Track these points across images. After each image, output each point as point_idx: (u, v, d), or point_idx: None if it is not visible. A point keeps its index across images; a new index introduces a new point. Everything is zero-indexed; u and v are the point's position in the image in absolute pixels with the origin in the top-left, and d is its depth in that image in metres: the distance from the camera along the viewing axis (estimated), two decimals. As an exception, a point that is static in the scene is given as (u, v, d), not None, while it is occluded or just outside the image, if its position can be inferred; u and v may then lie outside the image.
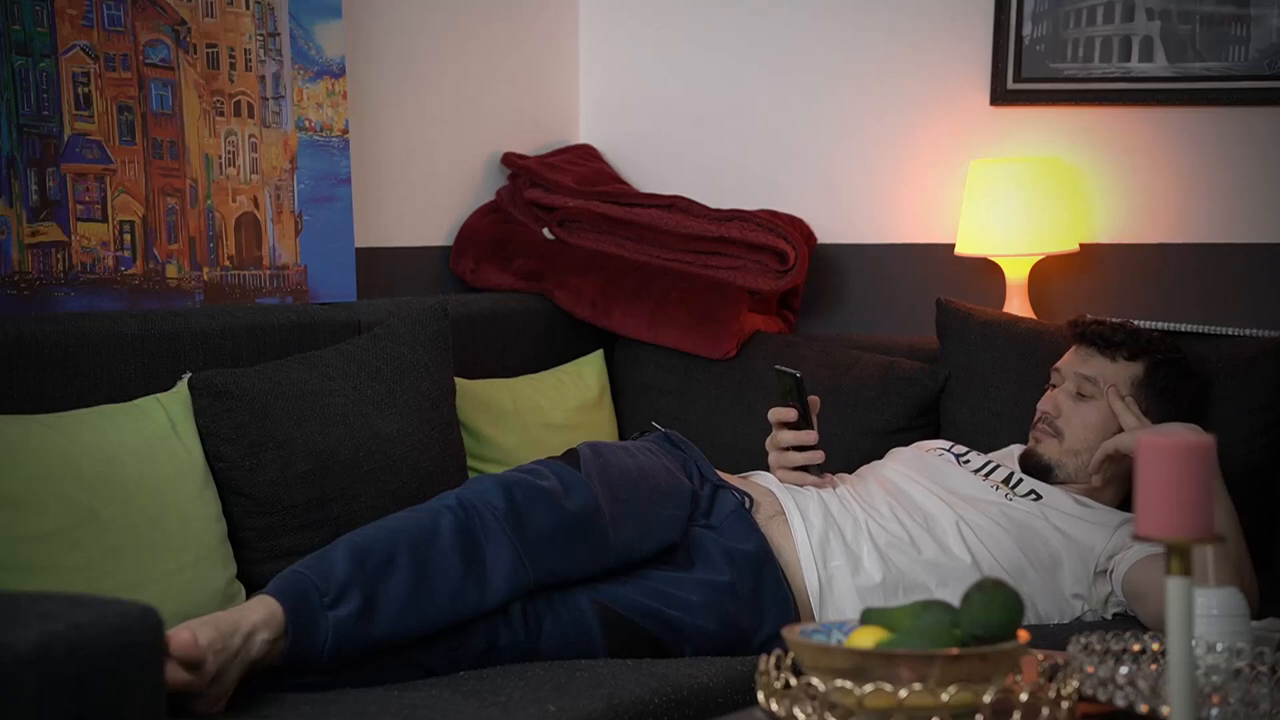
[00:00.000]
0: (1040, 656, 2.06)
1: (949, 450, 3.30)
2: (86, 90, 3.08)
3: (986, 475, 3.22)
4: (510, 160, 4.03)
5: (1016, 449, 3.34)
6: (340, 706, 2.40)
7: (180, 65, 3.24)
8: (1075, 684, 1.98)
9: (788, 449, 3.13)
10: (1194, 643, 1.80)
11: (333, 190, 3.53)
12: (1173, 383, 3.24)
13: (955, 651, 1.87)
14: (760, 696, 1.99)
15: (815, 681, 1.90)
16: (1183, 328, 3.52)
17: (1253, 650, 2.09)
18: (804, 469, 3.12)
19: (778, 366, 3.17)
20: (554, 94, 4.26)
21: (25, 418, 2.69)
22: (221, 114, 3.32)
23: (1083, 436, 3.20)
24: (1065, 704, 1.96)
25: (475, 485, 2.76)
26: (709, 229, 3.82)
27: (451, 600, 2.61)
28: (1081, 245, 3.82)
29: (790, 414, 3.11)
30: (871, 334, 3.87)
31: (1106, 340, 3.25)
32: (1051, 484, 3.21)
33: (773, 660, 1.99)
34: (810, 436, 3.11)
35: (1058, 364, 3.29)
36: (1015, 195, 3.75)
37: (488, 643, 2.66)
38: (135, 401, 2.86)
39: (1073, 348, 3.30)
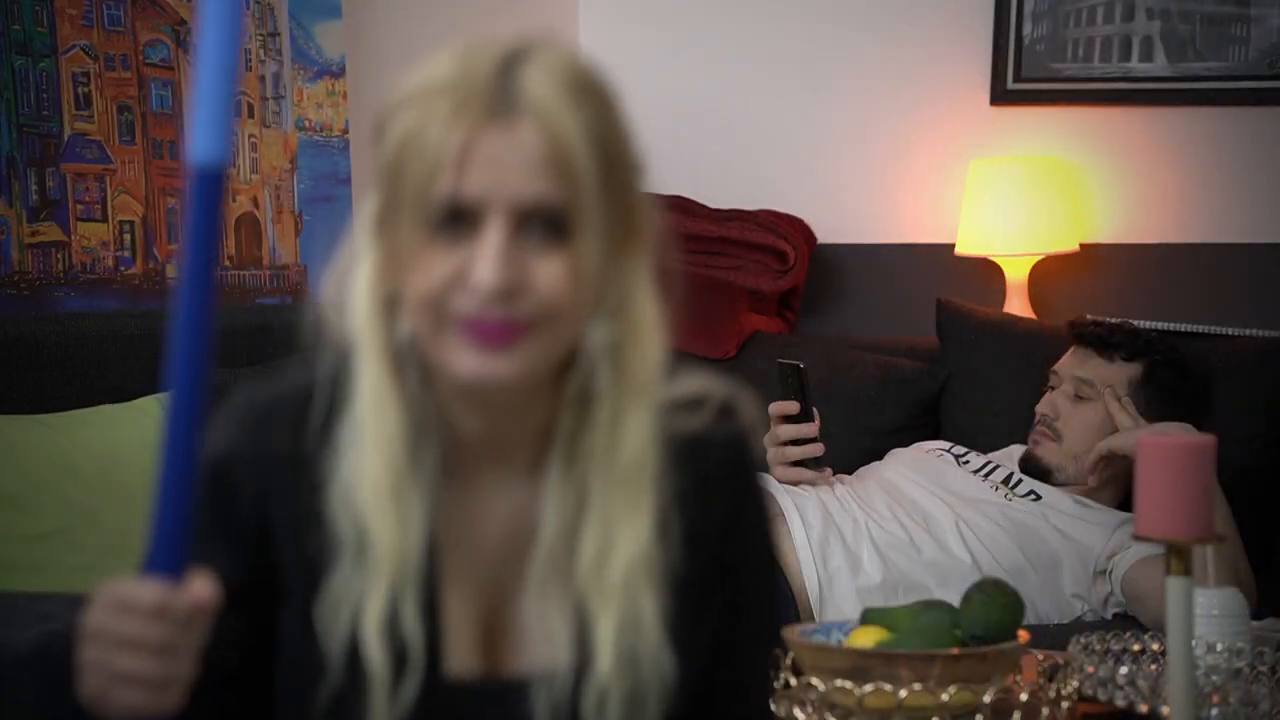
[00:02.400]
0: (1040, 656, 2.06)
1: (949, 451, 3.29)
2: (86, 90, 3.08)
3: (986, 476, 3.22)
4: (510, 160, 4.03)
5: (1016, 449, 3.33)
6: (340, 706, 2.39)
7: (180, 65, 3.24)
8: (1075, 684, 1.98)
9: (786, 443, 3.12)
10: (1194, 643, 1.80)
11: (333, 190, 3.53)
12: (1171, 383, 3.24)
13: (955, 652, 1.87)
14: (760, 696, 1.98)
15: (815, 681, 1.90)
16: (1183, 328, 3.52)
17: (1252, 650, 2.09)
18: (802, 464, 3.12)
19: (780, 359, 3.17)
20: (554, 94, 4.25)
21: (25, 418, 2.69)
22: (221, 114, 3.32)
23: (1082, 438, 3.20)
24: (1065, 704, 1.96)
25: (475, 485, 2.76)
26: (709, 229, 3.82)
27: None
28: (1081, 245, 3.81)
29: (791, 407, 3.11)
30: (871, 334, 3.87)
31: (1104, 342, 3.24)
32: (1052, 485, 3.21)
33: (772, 660, 1.98)
34: (810, 429, 3.10)
35: (1056, 366, 3.29)
36: (1015, 195, 3.75)
37: (488, 643, 2.66)
38: (135, 401, 2.86)
39: (1071, 349, 3.29)
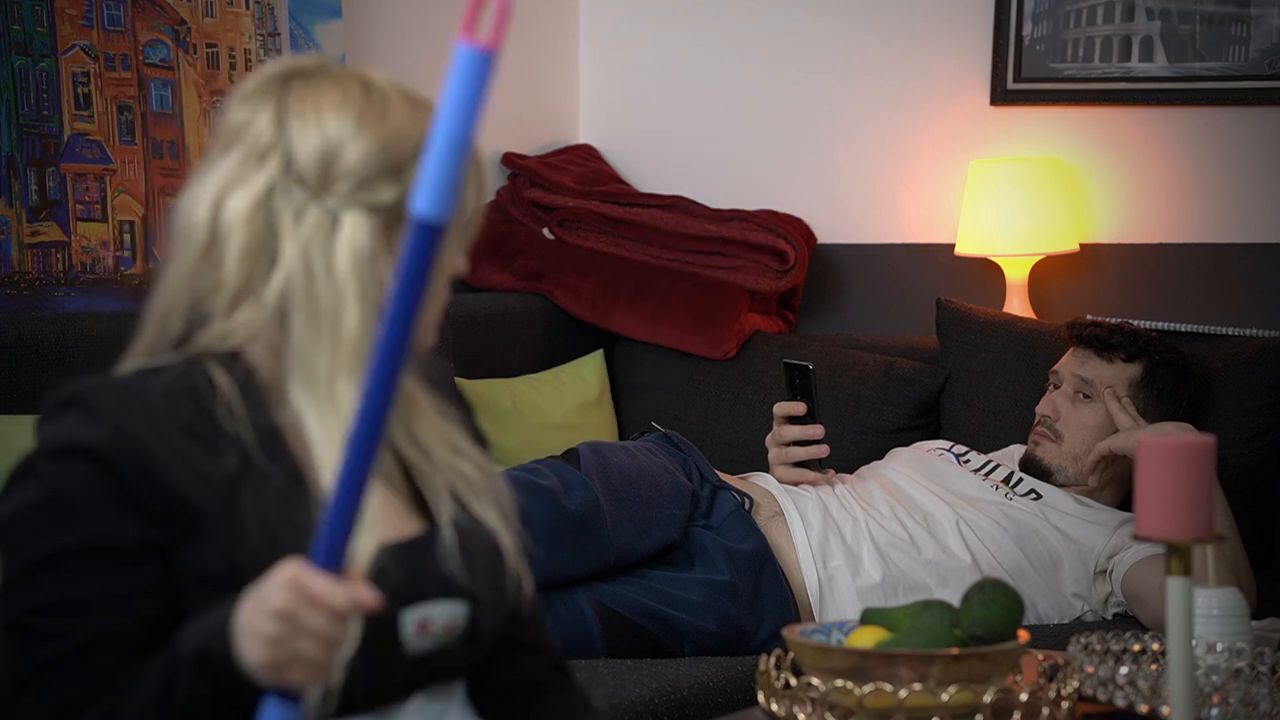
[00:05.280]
0: (1040, 656, 2.06)
1: (949, 450, 3.29)
2: (86, 90, 3.08)
3: (986, 475, 3.22)
4: (510, 160, 4.03)
5: (1017, 449, 3.34)
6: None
7: (180, 65, 3.24)
8: (1075, 684, 1.98)
9: (790, 444, 3.12)
10: (1194, 643, 1.80)
11: (333, 190, 3.53)
12: (1171, 383, 3.24)
13: (955, 651, 1.87)
14: (760, 696, 1.98)
15: (815, 682, 1.90)
16: (1183, 328, 3.52)
17: (1253, 650, 2.09)
18: (805, 465, 3.12)
19: (786, 360, 3.16)
20: (554, 94, 4.26)
21: (25, 418, 2.69)
22: (222, 114, 3.32)
23: (1082, 439, 3.20)
24: (1065, 704, 1.96)
25: (475, 485, 2.76)
26: (709, 229, 3.82)
27: (451, 600, 2.61)
28: (1081, 245, 3.81)
29: (798, 408, 3.10)
30: (871, 334, 3.87)
31: (1103, 342, 3.24)
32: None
33: (773, 660, 1.99)
34: (816, 431, 3.10)
35: (1056, 366, 3.29)
36: (1015, 195, 3.75)
37: (488, 643, 2.66)
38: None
39: (1070, 350, 3.30)
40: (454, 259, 1.63)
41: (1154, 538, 1.66)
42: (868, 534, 3.01)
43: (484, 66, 1.35)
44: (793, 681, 1.95)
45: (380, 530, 1.54)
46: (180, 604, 1.52)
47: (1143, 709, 1.99)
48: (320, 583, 1.36)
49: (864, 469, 3.29)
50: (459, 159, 1.35)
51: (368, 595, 1.38)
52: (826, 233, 4.02)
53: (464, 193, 1.59)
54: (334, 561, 1.37)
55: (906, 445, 3.38)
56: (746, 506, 3.02)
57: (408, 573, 1.57)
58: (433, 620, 1.58)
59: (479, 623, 1.62)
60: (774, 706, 1.96)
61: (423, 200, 1.35)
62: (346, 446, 1.37)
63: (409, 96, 1.59)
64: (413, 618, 1.57)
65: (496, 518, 1.65)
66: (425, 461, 1.64)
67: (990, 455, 3.32)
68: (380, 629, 1.53)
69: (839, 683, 1.87)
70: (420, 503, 1.65)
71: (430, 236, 1.35)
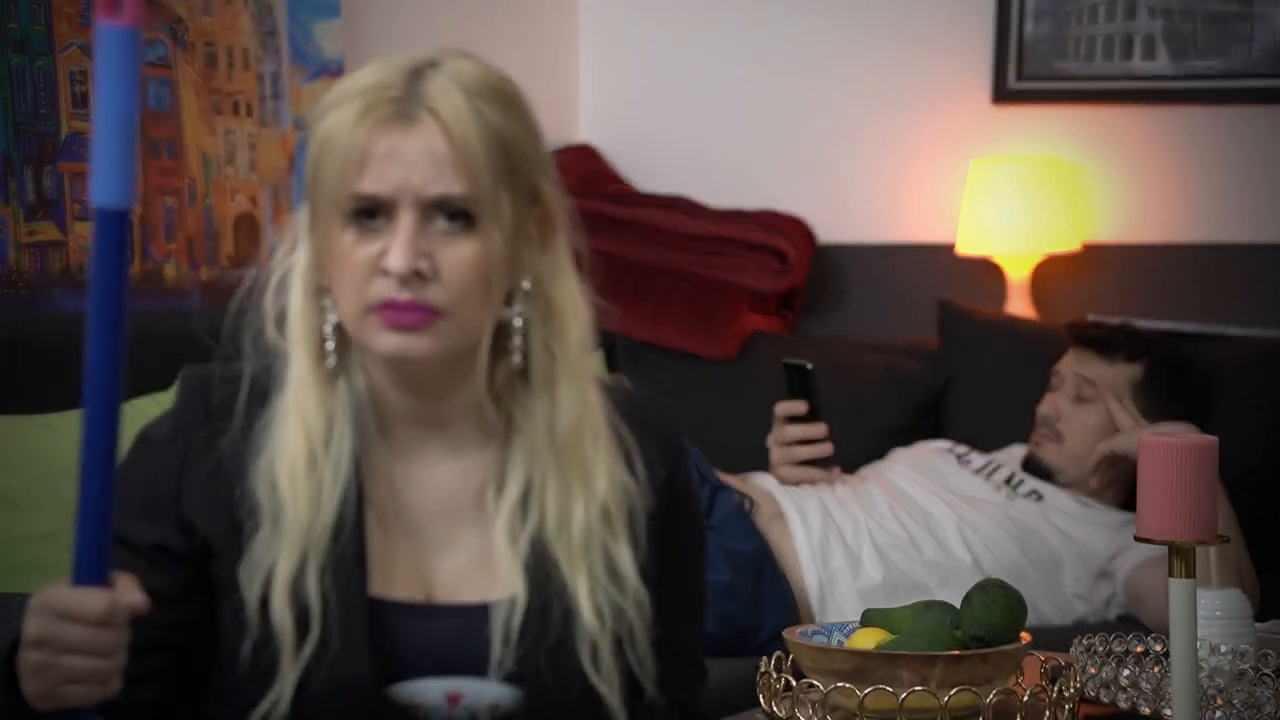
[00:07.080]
0: (1042, 658, 2.06)
1: (950, 451, 3.29)
2: (84, 88, 3.08)
3: (988, 475, 3.21)
4: (510, 160, 4.02)
5: (1018, 449, 3.33)
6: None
7: (178, 64, 3.23)
8: (1078, 686, 1.98)
9: (793, 444, 3.12)
10: (1197, 644, 1.79)
11: (331, 190, 3.52)
12: (1172, 384, 3.23)
13: (957, 653, 1.86)
14: (761, 698, 1.98)
15: (816, 683, 1.89)
16: (1184, 328, 3.52)
17: (1256, 652, 2.08)
18: (809, 464, 3.11)
19: (787, 360, 3.16)
20: (554, 94, 4.25)
21: (23, 418, 2.69)
22: (220, 113, 3.31)
23: (1083, 440, 3.19)
24: (1068, 706, 1.95)
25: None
26: (709, 229, 3.81)
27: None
28: (1083, 245, 3.81)
29: (798, 407, 3.10)
30: (871, 334, 3.86)
31: (1104, 343, 3.24)
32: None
33: (773, 662, 1.98)
34: (819, 430, 3.09)
35: (1056, 366, 3.29)
36: (1017, 195, 3.74)
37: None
38: (133, 402, 2.83)
39: (1072, 350, 3.29)
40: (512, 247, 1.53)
41: (1156, 539, 1.66)
42: (868, 535, 3.01)
43: (129, 44, 1.33)
44: (793, 683, 1.95)
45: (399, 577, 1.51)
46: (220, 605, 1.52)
47: (1146, 711, 1.99)
48: (70, 596, 1.34)
49: (865, 469, 3.29)
50: (125, 142, 1.32)
51: (133, 596, 1.35)
52: (826, 233, 4.02)
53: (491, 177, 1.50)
54: (92, 575, 1.34)
55: (907, 446, 3.38)
56: (746, 507, 3.01)
57: (443, 639, 1.52)
58: (465, 694, 1.52)
59: (531, 716, 1.52)
60: (774, 708, 1.95)
61: (96, 189, 1.32)
62: (80, 460, 1.33)
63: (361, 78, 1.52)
64: (441, 685, 1.52)
65: (605, 625, 1.51)
66: (544, 544, 1.53)
67: (991, 455, 3.31)
68: (355, 672, 1.48)
69: (840, 684, 1.87)
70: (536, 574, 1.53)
71: (111, 224, 1.32)
